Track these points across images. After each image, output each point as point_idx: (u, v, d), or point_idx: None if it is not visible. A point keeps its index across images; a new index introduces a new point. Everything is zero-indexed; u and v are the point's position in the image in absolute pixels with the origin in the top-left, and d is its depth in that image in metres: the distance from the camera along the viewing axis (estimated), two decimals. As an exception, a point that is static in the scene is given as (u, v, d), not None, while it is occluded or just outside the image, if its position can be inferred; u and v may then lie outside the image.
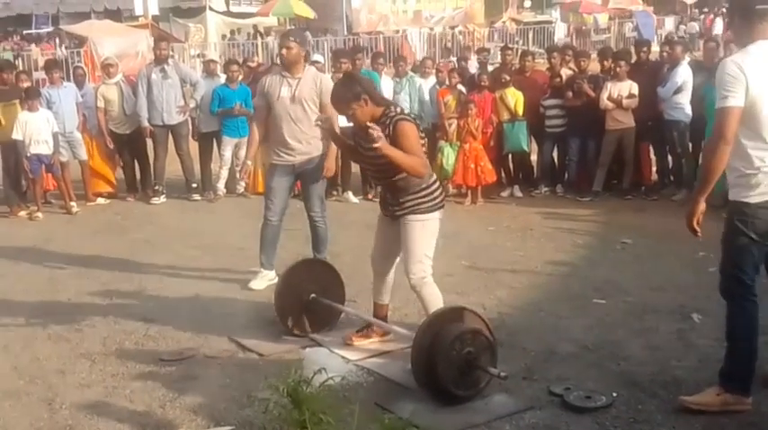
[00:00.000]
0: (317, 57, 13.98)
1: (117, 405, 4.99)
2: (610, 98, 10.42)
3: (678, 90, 10.22)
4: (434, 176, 5.60)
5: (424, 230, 5.40)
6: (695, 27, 35.54)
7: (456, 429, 4.51)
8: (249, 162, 7.33)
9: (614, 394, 4.85)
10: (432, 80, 11.77)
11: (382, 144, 5.05)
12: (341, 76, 10.22)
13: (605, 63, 11.15)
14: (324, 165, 7.10)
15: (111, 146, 11.59)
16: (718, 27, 29.90)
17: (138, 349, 5.97)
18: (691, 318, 6.19)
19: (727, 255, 4.64)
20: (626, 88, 10.42)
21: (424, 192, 5.38)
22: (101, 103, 11.37)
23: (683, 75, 10.27)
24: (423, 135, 5.50)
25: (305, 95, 6.97)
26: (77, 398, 5.09)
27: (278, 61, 15.97)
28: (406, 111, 5.52)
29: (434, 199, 5.42)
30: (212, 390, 5.14)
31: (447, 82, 11.45)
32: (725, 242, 4.65)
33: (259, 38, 30.67)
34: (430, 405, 4.74)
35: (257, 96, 7.40)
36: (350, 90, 5.33)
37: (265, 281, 7.25)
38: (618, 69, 10.53)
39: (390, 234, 5.48)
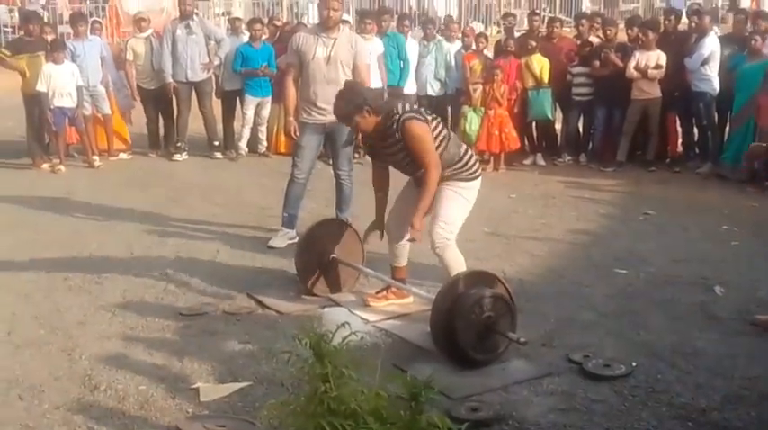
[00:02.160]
0: (344, 17, 13.86)
1: (135, 357, 5.01)
2: (636, 68, 10.30)
3: (705, 61, 10.07)
4: (464, 147, 5.58)
5: (457, 197, 5.43)
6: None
7: (473, 392, 4.49)
8: (291, 118, 7.21)
9: (633, 363, 4.82)
10: (457, 44, 11.66)
11: (417, 236, 5.22)
12: (367, 36, 10.17)
13: (630, 32, 11.00)
14: None
15: (137, 100, 11.62)
16: (746, 0, 29.41)
17: (158, 303, 5.98)
18: (713, 291, 6.13)
19: None
20: (654, 58, 10.28)
21: (458, 165, 5.41)
22: (129, 56, 11.39)
23: (711, 46, 10.11)
24: (433, 118, 5.45)
25: (341, 57, 6.90)
26: (97, 350, 5.11)
27: (304, 20, 15.77)
28: (407, 108, 5.38)
29: (470, 168, 5.46)
30: (231, 346, 5.16)
31: (473, 46, 11.34)
32: None
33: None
34: (448, 368, 4.73)
35: (289, 54, 7.30)
36: (351, 102, 5.28)
37: (286, 239, 7.25)
38: (646, 39, 10.39)
39: (413, 200, 5.42)
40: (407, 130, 5.16)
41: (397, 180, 5.78)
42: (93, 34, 11.91)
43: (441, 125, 5.41)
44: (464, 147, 5.59)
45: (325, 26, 7.00)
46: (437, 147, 5.27)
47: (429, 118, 5.36)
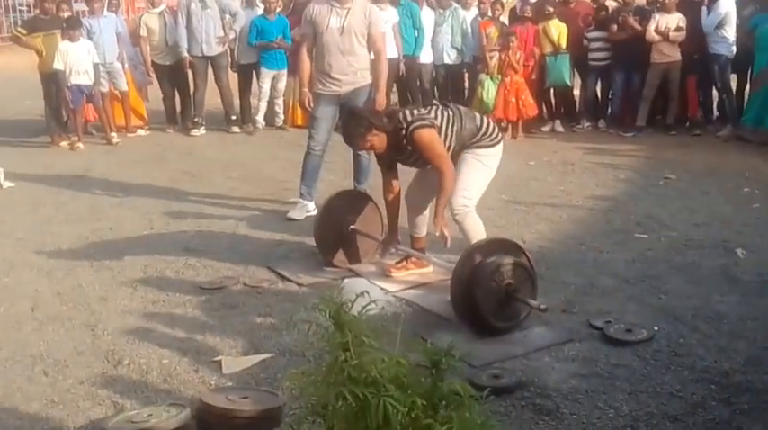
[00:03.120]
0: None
1: (158, 331, 5.03)
2: (657, 30, 10.18)
3: (721, 23, 9.93)
4: (479, 116, 5.59)
5: (478, 163, 5.44)
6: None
7: (495, 360, 4.49)
8: (306, 89, 7.16)
9: (655, 328, 4.81)
10: (473, 12, 11.58)
11: (445, 233, 5.24)
12: (381, 6, 10.10)
13: (650, -6, 10.91)
14: (373, 97, 7.00)
15: (152, 76, 11.61)
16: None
17: (179, 277, 6.00)
18: (735, 254, 6.10)
19: None
20: (674, 21, 10.17)
21: (478, 136, 5.43)
22: (143, 32, 11.35)
23: (726, 5, 9.97)
24: (436, 109, 5.46)
25: (355, 27, 6.84)
26: (119, 324, 5.14)
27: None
28: (409, 117, 5.31)
29: (491, 134, 5.47)
30: (252, 318, 5.17)
31: (489, 13, 11.26)
32: None
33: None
34: (469, 336, 4.72)
35: (303, 24, 7.25)
36: (359, 126, 5.34)
37: (304, 211, 7.25)
38: (666, 1, 10.26)
39: (434, 175, 5.42)
40: (417, 141, 5.24)
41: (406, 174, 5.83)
42: (110, 11, 11.89)
43: (444, 111, 5.42)
44: (478, 116, 5.59)
45: None
46: (451, 132, 5.33)
47: (432, 115, 5.36)
